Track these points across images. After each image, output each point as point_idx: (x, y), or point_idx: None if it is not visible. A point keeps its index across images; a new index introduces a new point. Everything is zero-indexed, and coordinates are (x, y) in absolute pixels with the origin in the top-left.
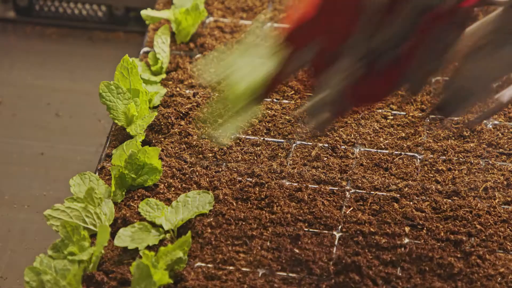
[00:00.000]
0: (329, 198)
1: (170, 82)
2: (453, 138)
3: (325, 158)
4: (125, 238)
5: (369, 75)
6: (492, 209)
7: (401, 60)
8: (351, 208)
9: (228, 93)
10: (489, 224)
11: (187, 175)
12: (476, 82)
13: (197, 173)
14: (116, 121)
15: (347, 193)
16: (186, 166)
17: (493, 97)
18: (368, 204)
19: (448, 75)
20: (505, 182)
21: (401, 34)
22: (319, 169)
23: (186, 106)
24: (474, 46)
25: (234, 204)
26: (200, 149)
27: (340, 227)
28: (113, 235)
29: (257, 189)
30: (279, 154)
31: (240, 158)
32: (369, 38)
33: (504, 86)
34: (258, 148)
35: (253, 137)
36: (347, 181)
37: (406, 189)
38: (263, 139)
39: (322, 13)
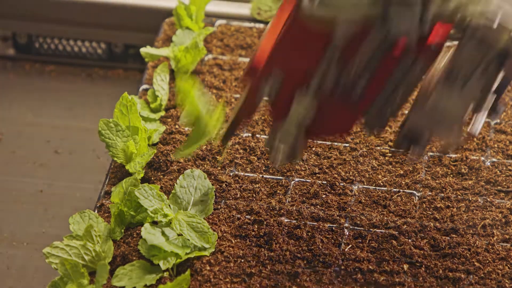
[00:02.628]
0: (327, 236)
1: (169, 120)
2: (451, 175)
3: (324, 195)
4: (123, 277)
5: (333, 108)
6: (490, 246)
7: (366, 94)
8: (350, 246)
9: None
10: (487, 261)
11: None
12: (443, 116)
13: None
14: (115, 159)
15: (346, 230)
16: None
17: (464, 129)
18: (367, 242)
19: (413, 110)
20: (503, 220)
21: (368, 68)
22: (318, 206)
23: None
24: (439, 81)
25: (233, 241)
26: None
27: (339, 264)
28: (112, 272)
29: (256, 227)
30: (278, 191)
31: (238, 195)
32: (334, 72)
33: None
34: (257, 185)
35: (251, 175)
36: (346, 218)
37: (405, 226)
38: (262, 176)
39: (284, 47)
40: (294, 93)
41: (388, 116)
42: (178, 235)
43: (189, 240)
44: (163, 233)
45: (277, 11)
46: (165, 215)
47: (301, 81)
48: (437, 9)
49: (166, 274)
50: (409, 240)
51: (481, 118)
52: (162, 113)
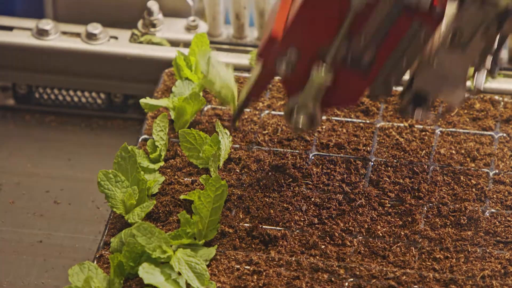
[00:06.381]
0: (327, 286)
1: (169, 170)
2: (450, 226)
3: (323, 246)
4: None
5: (345, 77)
6: None
7: (377, 59)
8: None
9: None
10: None
11: None
12: (447, 77)
13: None
14: (114, 209)
15: (345, 281)
16: None
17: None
18: None
19: (418, 74)
20: (502, 271)
21: (379, 34)
22: (317, 257)
23: (184, 194)
24: (443, 43)
25: None
26: None
27: None
28: None
29: (255, 277)
30: (277, 242)
31: (237, 246)
32: (348, 40)
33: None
34: (256, 235)
35: (250, 225)
36: (345, 269)
37: (404, 277)
38: (261, 227)
39: (301, 22)
40: (309, 67)
41: (392, 83)
42: (177, 274)
43: (186, 280)
44: (161, 273)
45: None
46: (164, 252)
47: (317, 54)
48: None
49: None
50: None
51: (483, 75)
52: (162, 164)
